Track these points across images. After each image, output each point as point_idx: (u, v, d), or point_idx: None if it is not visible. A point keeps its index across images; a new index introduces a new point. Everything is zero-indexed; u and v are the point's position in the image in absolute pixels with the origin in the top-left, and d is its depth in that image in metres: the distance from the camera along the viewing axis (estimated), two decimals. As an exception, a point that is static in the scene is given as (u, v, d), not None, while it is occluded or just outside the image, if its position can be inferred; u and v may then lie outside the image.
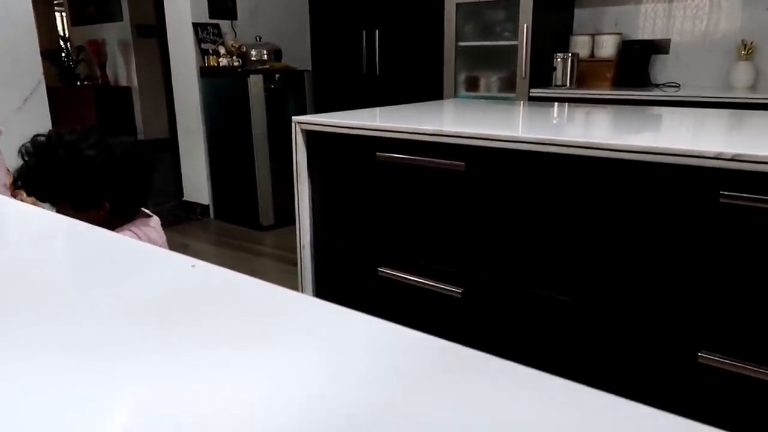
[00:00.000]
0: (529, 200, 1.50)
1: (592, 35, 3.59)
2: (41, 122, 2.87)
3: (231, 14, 3.82)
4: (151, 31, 6.26)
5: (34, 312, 0.47)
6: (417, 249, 1.77)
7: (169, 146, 6.51)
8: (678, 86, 3.32)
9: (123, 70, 6.43)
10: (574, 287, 1.47)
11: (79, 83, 6.52)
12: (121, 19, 6.22)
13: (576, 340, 1.49)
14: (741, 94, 2.93)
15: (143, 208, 1.35)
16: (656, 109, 2.28)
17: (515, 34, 3.44)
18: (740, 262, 1.23)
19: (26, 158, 1.19)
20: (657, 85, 3.40)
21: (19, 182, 1.20)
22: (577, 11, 3.74)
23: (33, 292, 0.51)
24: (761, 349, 1.23)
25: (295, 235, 2.04)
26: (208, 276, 0.53)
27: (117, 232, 1.20)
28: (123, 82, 6.46)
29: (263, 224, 3.74)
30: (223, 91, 3.70)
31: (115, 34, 6.33)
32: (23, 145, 1.20)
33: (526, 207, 1.51)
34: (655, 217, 1.32)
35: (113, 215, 1.24)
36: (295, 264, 2.33)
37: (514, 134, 1.48)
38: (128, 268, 0.57)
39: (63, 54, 6.53)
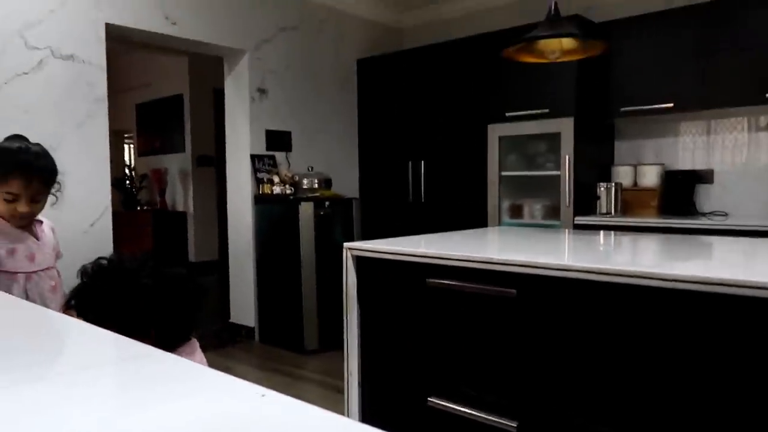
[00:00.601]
0: (585, 328, 1.47)
1: (634, 165, 3.67)
2: (104, 245, 3.04)
3: (286, 147, 4.10)
4: (210, 161, 6.70)
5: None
6: (469, 378, 1.72)
7: (217, 268, 6.71)
8: (726, 215, 3.31)
9: (181, 196, 6.82)
10: (641, 424, 1.39)
11: (139, 208, 6.93)
12: (183, 151, 6.71)
13: (643, 484, 1.38)
14: (793, 224, 2.89)
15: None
16: (707, 238, 2.26)
17: (557, 164, 3.55)
18: (820, 401, 1.15)
19: (84, 279, 1.23)
20: (703, 214, 3.39)
21: (72, 302, 1.23)
22: (617, 143, 3.87)
23: (96, 418, 0.53)
24: None
25: (339, 360, 2.02)
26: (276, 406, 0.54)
27: None
28: (180, 208, 6.83)
29: (308, 348, 3.72)
30: (275, 217, 3.87)
31: (176, 163, 6.80)
32: (84, 266, 1.24)
33: (581, 335, 1.48)
34: (715, 348, 1.27)
35: (157, 344, 1.24)
36: (339, 390, 2.28)
37: (566, 263, 1.49)
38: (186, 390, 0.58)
39: (127, 181, 7.02)
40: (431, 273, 1.77)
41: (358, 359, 2.01)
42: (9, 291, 1.59)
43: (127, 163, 7.61)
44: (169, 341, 1.26)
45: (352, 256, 1.98)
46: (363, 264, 1.98)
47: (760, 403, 1.22)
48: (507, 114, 3.71)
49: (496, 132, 3.78)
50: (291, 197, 3.83)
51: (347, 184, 4.45)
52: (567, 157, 3.46)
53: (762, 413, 1.21)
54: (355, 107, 4.64)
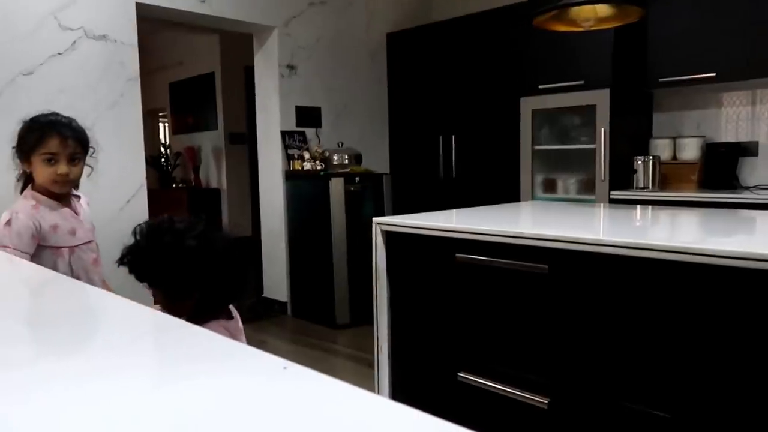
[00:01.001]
0: (619, 305, 1.44)
1: (673, 138, 3.55)
2: (140, 220, 3.10)
3: (316, 123, 4.09)
4: (242, 138, 6.76)
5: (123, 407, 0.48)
6: (499, 353, 1.71)
7: (250, 244, 6.81)
8: (771, 188, 3.18)
9: (214, 173, 6.91)
10: (674, 402, 1.36)
11: (174, 185, 7.05)
12: (216, 128, 6.77)
13: (678, 462, 1.35)
14: (843, 197, 2.76)
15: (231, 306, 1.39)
16: (750, 212, 2.17)
17: (592, 138, 3.46)
18: None
19: (137, 238, 1.26)
20: (747, 188, 3.27)
21: (125, 260, 1.26)
22: (655, 115, 3.74)
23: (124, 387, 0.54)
24: None
25: (370, 334, 2.03)
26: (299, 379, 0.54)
27: (207, 327, 1.24)
28: (213, 185, 6.92)
29: (339, 323, 3.76)
30: (305, 193, 3.88)
31: (209, 141, 6.88)
32: (138, 225, 1.29)
33: (615, 312, 1.45)
34: (756, 326, 1.22)
35: (201, 307, 1.27)
36: (370, 365, 2.30)
37: (599, 237, 1.45)
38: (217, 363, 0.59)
39: (162, 159, 7.14)
40: (460, 248, 1.76)
41: (388, 334, 2.01)
42: (54, 266, 1.63)
43: (162, 141, 7.73)
44: (211, 306, 1.29)
45: (382, 231, 1.97)
46: (392, 239, 1.97)
47: (803, 382, 1.17)
48: (540, 86, 3.62)
49: (528, 105, 3.69)
50: (321, 173, 3.83)
51: (377, 159, 4.43)
52: (603, 130, 3.37)
53: (805, 392, 1.17)
54: (385, 82, 4.59)
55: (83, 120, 2.66)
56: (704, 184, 3.43)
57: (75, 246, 1.70)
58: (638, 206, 2.61)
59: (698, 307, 1.31)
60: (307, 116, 4.03)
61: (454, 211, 2.27)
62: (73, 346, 0.68)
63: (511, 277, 1.65)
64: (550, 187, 3.78)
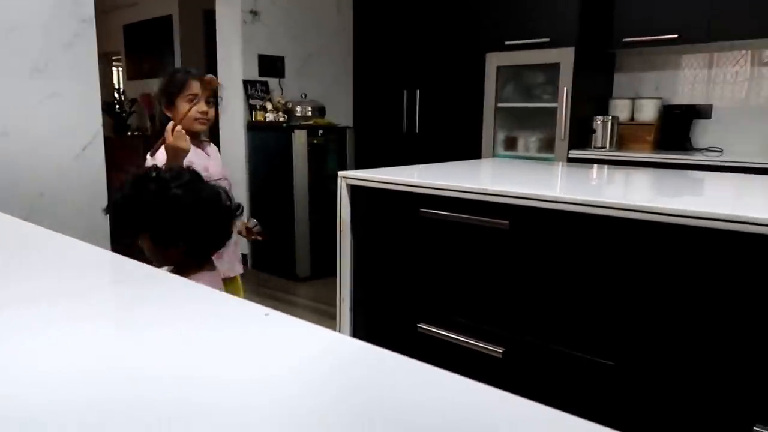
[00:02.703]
0: (574, 260, 1.50)
1: (632, 99, 3.63)
2: (97, 169, 3.02)
3: (279, 73, 4.00)
4: (201, 86, 6.54)
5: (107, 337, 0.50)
6: (458, 306, 1.77)
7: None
8: (720, 151, 3.31)
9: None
10: (619, 351, 1.44)
11: (129, 133, 6.82)
12: (174, 75, 6.53)
13: (620, 406, 1.45)
14: (787, 161, 2.89)
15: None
16: (700, 173, 2.27)
17: (555, 96, 3.50)
18: (795, 332, 1.20)
19: (121, 189, 1.27)
20: (699, 150, 3.39)
21: (112, 208, 1.29)
22: (616, 76, 3.80)
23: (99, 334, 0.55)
24: (821, 425, 1.18)
25: (330, 287, 2.07)
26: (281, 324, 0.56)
27: (194, 279, 1.26)
28: (171, 134, 6.72)
29: (300, 276, 3.79)
30: (267, 144, 3.83)
31: (167, 88, 6.64)
32: (125, 177, 1.30)
33: (570, 267, 1.51)
34: (700, 281, 1.30)
35: (188, 256, 1.29)
36: (332, 317, 2.34)
37: (560, 195, 1.50)
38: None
39: (117, 106, 6.88)
40: (424, 203, 1.78)
41: (350, 286, 2.05)
42: None
43: (116, 86, 7.43)
44: (199, 254, 1.32)
45: (347, 185, 1.98)
46: (357, 193, 1.98)
47: (741, 334, 1.26)
48: (506, 42, 3.62)
49: (494, 61, 3.70)
50: (284, 125, 3.78)
51: (341, 112, 4.39)
52: (565, 89, 3.41)
53: (743, 344, 1.26)
54: (351, 33, 4.50)
55: (35, 61, 2.53)
56: (660, 145, 3.54)
57: (209, 181, 1.83)
58: (595, 165, 2.69)
59: (645, 262, 1.38)
60: (271, 66, 3.94)
61: (418, 166, 2.29)
62: (60, 295, 0.68)
63: (472, 233, 1.70)
64: (511, 144, 3.84)
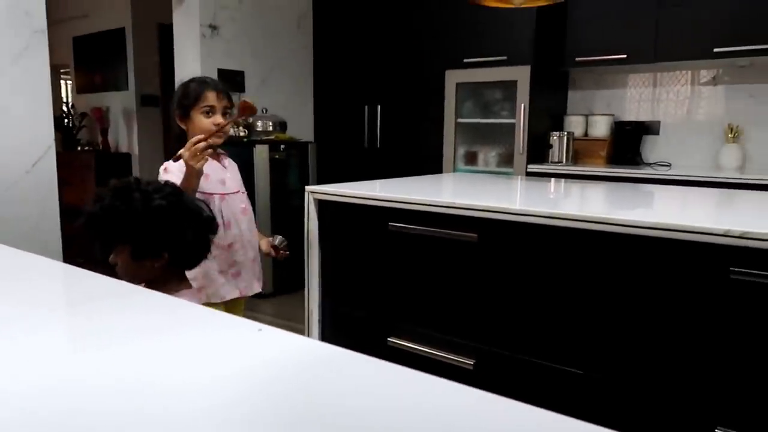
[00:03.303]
0: (541, 271, 1.54)
1: (586, 116, 3.76)
2: (48, 186, 2.92)
3: (239, 87, 3.97)
4: (155, 100, 6.43)
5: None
6: (427, 319, 1.78)
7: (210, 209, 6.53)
8: (669, 165, 3.46)
9: (124, 136, 6.55)
10: (586, 360, 1.48)
11: (80, 148, 6.61)
12: (127, 89, 6.40)
13: (589, 413, 1.49)
14: (730, 174, 3.05)
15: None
16: (651, 186, 2.37)
17: (512, 112, 3.60)
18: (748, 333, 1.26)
19: (100, 200, 1.23)
20: (648, 164, 3.54)
21: (90, 220, 1.23)
22: (570, 93, 3.94)
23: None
24: (778, 424, 1.24)
25: (294, 303, 2.05)
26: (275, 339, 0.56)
27: (180, 296, 1.23)
28: (124, 149, 6.57)
29: (263, 292, 3.72)
30: (228, 159, 3.78)
31: (119, 102, 6.50)
32: (96, 192, 1.26)
33: (536, 278, 1.55)
34: (657, 287, 1.35)
35: (168, 269, 1.27)
36: (300, 332, 2.32)
37: (526, 207, 1.54)
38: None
39: (66, 120, 6.67)
40: (393, 217, 1.80)
41: (318, 301, 2.04)
42: None
43: (65, 100, 7.20)
44: (181, 265, 1.30)
45: (314, 199, 1.98)
46: (325, 207, 1.98)
47: (700, 338, 1.32)
48: (465, 60, 3.71)
49: (453, 78, 3.77)
50: (245, 140, 3.75)
51: (302, 127, 4.38)
52: (522, 105, 3.51)
53: (703, 348, 1.32)
54: (311, 49, 4.51)
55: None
56: (612, 160, 3.67)
57: (225, 194, 1.85)
58: (553, 179, 2.77)
59: (608, 271, 1.43)
60: (231, 80, 3.90)
61: (384, 180, 2.31)
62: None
63: (441, 245, 1.72)
64: (471, 159, 3.91)
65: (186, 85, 1.86)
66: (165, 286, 1.23)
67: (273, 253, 1.96)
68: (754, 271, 1.23)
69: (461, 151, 3.92)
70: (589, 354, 1.48)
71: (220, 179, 1.85)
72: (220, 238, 1.71)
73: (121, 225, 1.21)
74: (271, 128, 3.84)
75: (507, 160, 3.72)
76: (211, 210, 1.39)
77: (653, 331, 1.38)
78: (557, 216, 1.46)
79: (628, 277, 1.41)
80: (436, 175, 2.78)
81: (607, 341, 1.45)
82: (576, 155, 3.67)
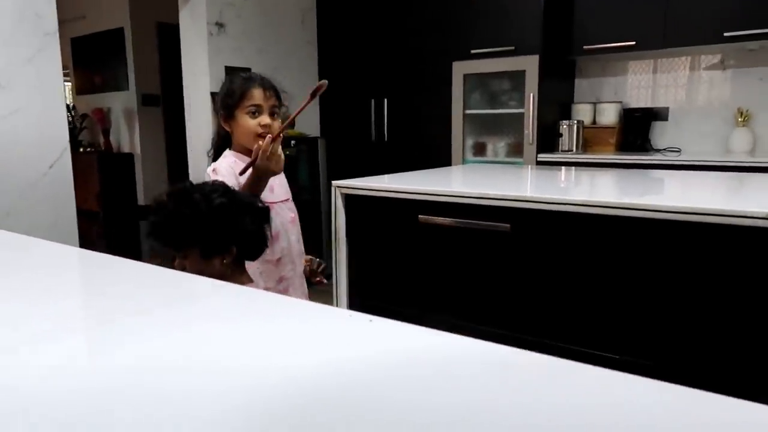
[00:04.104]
0: (576, 260, 1.56)
1: (594, 104, 3.78)
2: (65, 187, 2.92)
3: (247, 84, 3.96)
4: (156, 100, 6.41)
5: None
6: (459, 310, 1.80)
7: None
8: (679, 151, 3.48)
9: (126, 137, 6.53)
10: (623, 345, 1.51)
11: (81, 149, 6.59)
12: (127, 89, 6.37)
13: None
14: (741, 158, 3.07)
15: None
16: (672, 172, 2.39)
17: (521, 102, 3.61)
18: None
19: (161, 208, 1.26)
20: (658, 150, 3.56)
21: (156, 229, 1.27)
22: (577, 81, 3.95)
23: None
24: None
25: (316, 299, 2.06)
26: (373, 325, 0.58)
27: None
28: (126, 149, 6.55)
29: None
30: (238, 157, 3.78)
31: (120, 102, 6.47)
32: (154, 201, 1.29)
33: (571, 267, 1.57)
34: (701, 274, 1.38)
35: (236, 263, 1.31)
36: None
37: (559, 196, 1.55)
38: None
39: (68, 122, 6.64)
40: (422, 209, 1.81)
41: (347, 297, 2.05)
42: None
43: (65, 102, 7.16)
44: (249, 256, 1.36)
45: (341, 194, 1.99)
46: (352, 202, 1.99)
47: (701, 313, 1.34)
48: (472, 51, 3.71)
49: (460, 69, 3.78)
50: (255, 137, 3.74)
51: (309, 123, 4.38)
52: (531, 95, 3.52)
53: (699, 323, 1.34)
54: (316, 44, 4.50)
55: None
56: (621, 147, 3.69)
57: (274, 203, 1.67)
58: (569, 168, 2.78)
59: (645, 256, 1.45)
60: (238, 77, 3.89)
61: (408, 173, 2.32)
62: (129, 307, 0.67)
63: (473, 237, 1.73)
64: (480, 150, 3.92)
65: (230, 81, 1.69)
66: (233, 281, 1.25)
67: (312, 278, 1.78)
68: (794, 252, 1.25)
69: (470, 142, 3.93)
70: (627, 339, 1.50)
71: (269, 186, 1.65)
72: (268, 253, 1.54)
73: (190, 228, 1.24)
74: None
75: (516, 150, 3.73)
76: (261, 200, 1.41)
77: (693, 315, 1.40)
78: (594, 204, 1.48)
79: (668, 262, 1.43)
80: (447, 167, 2.80)
81: (644, 326, 1.47)
82: (586, 143, 3.69)
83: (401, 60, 4.09)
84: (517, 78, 3.62)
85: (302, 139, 3.86)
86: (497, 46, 3.61)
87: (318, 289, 1.84)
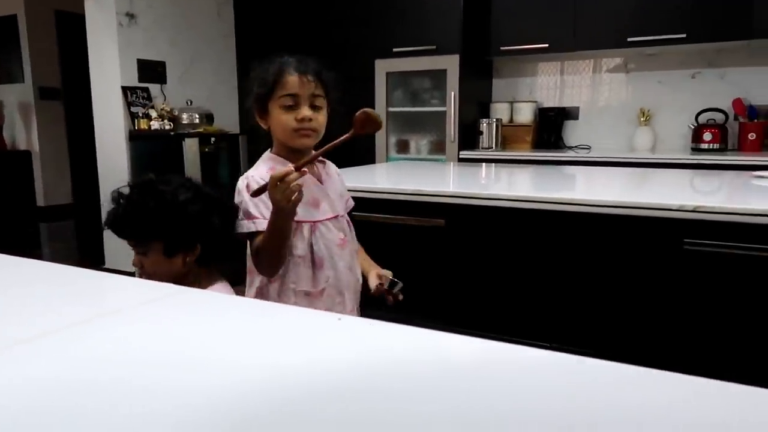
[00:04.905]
0: (510, 253, 1.61)
1: (511, 103, 3.93)
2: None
3: (161, 78, 3.79)
4: (56, 93, 5.99)
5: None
6: (395, 307, 1.81)
7: (72, 212, 6.13)
8: (589, 148, 3.69)
9: (22, 133, 6.06)
10: (552, 334, 1.58)
11: (-30, 147, 6.03)
12: (22, 81, 5.91)
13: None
14: (642, 155, 3.30)
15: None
16: (588, 168, 2.53)
17: (442, 100, 3.68)
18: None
19: (129, 194, 1.19)
20: (570, 147, 3.76)
21: (116, 219, 1.18)
22: (495, 81, 4.09)
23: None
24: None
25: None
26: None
27: (212, 290, 1.21)
28: (22, 146, 6.07)
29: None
30: (154, 154, 3.61)
31: (14, 95, 5.99)
32: (116, 191, 1.20)
33: (508, 259, 1.62)
34: (622, 263, 1.47)
35: (199, 261, 1.23)
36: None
37: (492, 192, 1.60)
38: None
39: (-49, 117, 6.05)
40: (356, 206, 1.80)
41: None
42: (291, 245, 1.26)
43: (-52, 94, 6.52)
44: (213, 256, 1.26)
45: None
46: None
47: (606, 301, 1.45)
48: (394, 49, 3.74)
49: (383, 67, 3.80)
50: (172, 133, 3.59)
51: (228, 119, 4.25)
52: (452, 93, 3.61)
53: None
54: (233, 36, 4.37)
55: None
56: (537, 144, 3.86)
57: (317, 221, 1.32)
58: (491, 164, 2.88)
59: (550, 245, 1.53)
60: (151, 71, 3.71)
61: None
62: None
63: (407, 232, 1.75)
64: (403, 147, 3.97)
65: (261, 67, 1.35)
66: (196, 282, 1.20)
67: (385, 295, 1.36)
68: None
69: (393, 139, 3.97)
70: (553, 326, 1.57)
71: (311, 199, 1.31)
72: (307, 282, 1.28)
73: (155, 221, 1.16)
74: (197, 120, 3.70)
75: (438, 147, 3.81)
76: (228, 196, 1.28)
77: (615, 301, 1.50)
78: (527, 199, 1.54)
79: (584, 250, 1.51)
80: (382, 163, 2.81)
81: (569, 312, 1.55)
82: (504, 141, 3.83)
83: (324, 56, 3.97)
84: (438, 77, 3.69)
85: (223, 135, 3.74)
86: (419, 45, 3.66)
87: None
